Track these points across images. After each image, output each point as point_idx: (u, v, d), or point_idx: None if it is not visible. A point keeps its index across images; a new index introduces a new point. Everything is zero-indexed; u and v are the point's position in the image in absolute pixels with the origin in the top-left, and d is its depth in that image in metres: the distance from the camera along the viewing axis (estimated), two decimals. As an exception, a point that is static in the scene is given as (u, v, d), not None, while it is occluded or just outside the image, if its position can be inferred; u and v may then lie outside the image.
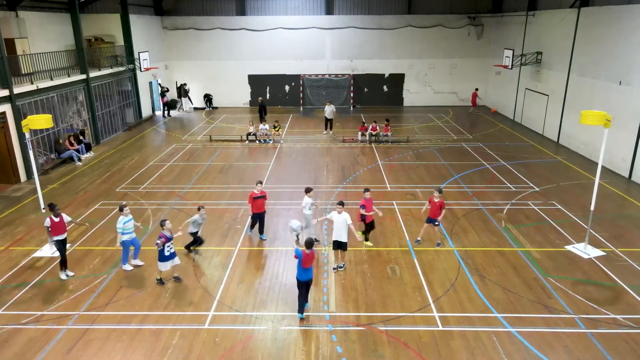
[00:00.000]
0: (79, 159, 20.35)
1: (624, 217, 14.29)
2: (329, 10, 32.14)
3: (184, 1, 32.19)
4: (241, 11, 32.21)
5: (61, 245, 10.97)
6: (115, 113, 25.97)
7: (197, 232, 12.03)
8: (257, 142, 23.58)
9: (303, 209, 12.41)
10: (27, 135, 12.00)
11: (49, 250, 12.20)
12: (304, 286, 9.42)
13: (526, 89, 26.94)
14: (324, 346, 8.68)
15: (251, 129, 23.85)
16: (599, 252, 12.02)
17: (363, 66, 32.98)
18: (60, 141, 20.18)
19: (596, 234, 12.98)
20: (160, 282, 10.72)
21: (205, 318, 9.52)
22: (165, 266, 10.47)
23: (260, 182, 12.91)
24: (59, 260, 11.12)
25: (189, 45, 32.70)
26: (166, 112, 30.96)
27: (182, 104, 32.80)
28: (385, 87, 33.58)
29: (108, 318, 9.54)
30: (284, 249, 12.46)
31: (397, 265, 11.51)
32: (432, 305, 9.89)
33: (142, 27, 29.07)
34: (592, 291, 10.39)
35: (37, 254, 12.17)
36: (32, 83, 18.52)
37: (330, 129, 25.33)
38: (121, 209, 11.17)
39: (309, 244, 9.21)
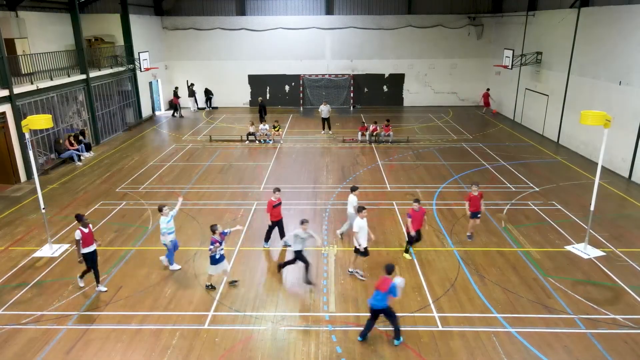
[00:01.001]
0: (79, 159, 20.34)
1: (623, 217, 14.29)
2: (329, 10, 32.14)
3: (184, 1, 32.19)
4: (241, 11, 32.20)
5: (93, 257, 10.26)
6: (115, 113, 25.97)
7: (301, 250, 10.62)
8: (257, 142, 23.58)
9: (348, 207, 12.46)
10: (27, 136, 12.01)
11: (48, 251, 12.21)
12: (373, 313, 8.66)
13: (526, 89, 26.94)
14: (324, 346, 8.68)
15: (251, 129, 23.86)
16: (598, 253, 12.02)
17: (363, 66, 32.97)
18: (61, 141, 20.18)
19: (596, 234, 12.98)
20: (212, 287, 10.53)
21: (205, 318, 9.52)
22: (217, 270, 10.35)
23: (279, 190, 12.46)
24: (83, 270, 10.49)
25: (189, 45, 32.69)
26: (177, 112, 30.83)
27: (194, 104, 32.82)
28: (385, 87, 33.57)
29: (108, 318, 9.55)
30: (283, 249, 12.46)
31: (397, 265, 11.50)
32: (432, 306, 9.90)
33: (142, 27, 29.07)
34: (592, 291, 10.39)
35: (37, 254, 12.18)
36: (32, 83, 18.52)
37: (329, 128, 25.33)
38: (160, 210, 11.05)
39: (390, 268, 8.61)
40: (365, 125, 24.14)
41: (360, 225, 10.63)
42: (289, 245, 11.85)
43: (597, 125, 11.39)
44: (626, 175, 18.01)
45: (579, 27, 21.45)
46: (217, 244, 10.06)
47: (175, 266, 11.42)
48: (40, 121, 11.70)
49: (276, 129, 23.99)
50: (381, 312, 8.58)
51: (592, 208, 12.09)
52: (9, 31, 19.45)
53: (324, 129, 25.42)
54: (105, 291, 10.42)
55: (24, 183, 17.84)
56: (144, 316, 9.60)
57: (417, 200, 11.70)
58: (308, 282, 10.62)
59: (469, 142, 23.32)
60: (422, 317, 9.51)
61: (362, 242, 10.72)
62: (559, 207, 15.08)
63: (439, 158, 20.65)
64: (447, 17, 31.82)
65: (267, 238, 12.59)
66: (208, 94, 33.00)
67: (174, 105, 31.03)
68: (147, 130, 26.70)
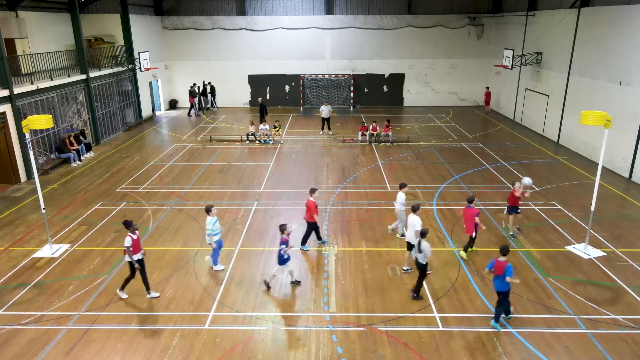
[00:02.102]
0: (75, 160, 20.26)
1: (624, 218, 14.29)
2: (329, 10, 32.14)
3: (184, 1, 32.18)
4: (241, 11, 32.20)
5: (141, 263, 10.06)
6: (115, 113, 25.97)
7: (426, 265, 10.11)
8: (257, 142, 23.58)
9: (396, 204, 12.60)
10: (27, 136, 12.00)
11: (49, 251, 12.21)
12: (500, 296, 8.97)
13: (526, 89, 26.94)
14: (325, 347, 8.68)
15: (251, 129, 23.85)
16: (599, 253, 12.02)
17: (363, 66, 32.97)
18: (66, 141, 20.25)
19: (596, 235, 12.98)
20: (268, 286, 10.53)
21: (206, 318, 9.52)
22: (284, 270, 10.38)
23: (316, 190, 12.36)
24: (125, 280, 10.19)
25: (189, 45, 32.68)
26: (192, 109, 31.07)
27: (211, 103, 32.83)
28: (385, 87, 33.57)
29: (108, 318, 9.54)
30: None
31: (397, 266, 11.50)
32: (433, 306, 9.89)
33: (142, 27, 29.07)
34: (592, 291, 10.39)
35: (37, 254, 12.17)
36: (32, 83, 18.51)
37: (329, 129, 25.33)
38: (208, 210, 10.98)
39: (505, 250, 8.85)
40: (365, 125, 24.14)
41: (415, 222, 10.75)
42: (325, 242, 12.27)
43: (597, 125, 11.39)
44: (626, 175, 18.01)
45: (579, 27, 21.45)
46: (287, 244, 10.13)
47: (219, 267, 11.41)
48: (41, 121, 11.70)
49: (276, 129, 23.99)
50: (504, 294, 8.90)
51: (592, 208, 12.09)
52: (9, 31, 19.45)
53: (323, 129, 25.42)
54: (158, 297, 10.25)
55: (24, 183, 17.84)
56: (144, 316, 9.60)
57: (470, 200, 11.68)
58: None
59: (469, 142, 23.32)
60: (422, 318, 9.51)
61: (409, 238, 11.00)
62: (559, 207, 15.08)
63: (439, 158, 20.64)
64: (447, 17, 31.82)
65: (306, 240, 12.39)
66: (210, 88, 32.94)
67: (191, 104, 31.28)
68: (147, 130, 26.70)
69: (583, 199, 15.63)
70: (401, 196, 12.58)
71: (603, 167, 13.31)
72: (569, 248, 12.32)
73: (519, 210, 12.83)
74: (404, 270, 11.29)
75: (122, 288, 10.27)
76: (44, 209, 12.37)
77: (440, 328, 9.19)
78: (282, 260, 10.26)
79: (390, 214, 14.64)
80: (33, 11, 21.62)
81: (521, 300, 10.07)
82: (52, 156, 19.90)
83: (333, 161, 20.36)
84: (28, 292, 10.49)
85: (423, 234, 9.86)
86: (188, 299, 10.20)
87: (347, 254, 12.15)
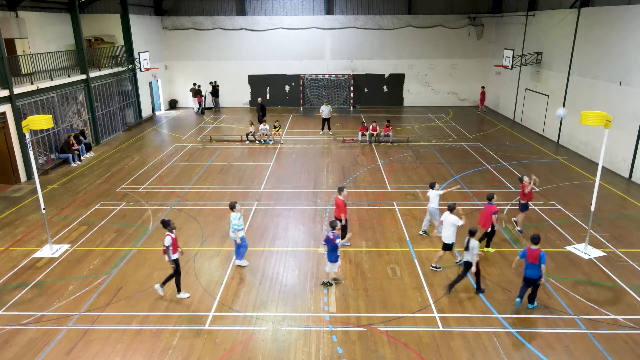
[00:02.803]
0: (75, 160, 20.25)
1: (624, 218, 14.29)
2: (329, 11, 32.14)
3: (184, 1, 32.18)
4: (241, 11, 32.20)
5: (177, 263, 10.09)
6: (115, 113, 25.96)
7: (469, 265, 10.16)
8: (257, 142, 23.58)
9: (430, 203, 12.68)
10: (27, 136, 12.00)
11: (49, 251, 12.21)
12: (528, 282, 9.53)
13: (526, 89, 26.94)
14: (325, 347, 8.68)
15: (251, 129, 23.86)
16: (599, 253, 12.02)
17: (363, 66, 32.97)
18: (70, 141, 20.27)
19: (596, 235, 12.98)
20: (330, 284, 10.62)
21: (206, 319, 9.52)
22: (335, 267, 10.46)
23: (344, 188, 12.42)
24: (175, 280, 10.16)
25: (189, 45, 32.68)
26: (200, 108, 31.56)
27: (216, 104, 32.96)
28: (385, 87, 33.57)
29: (108, 319, 9.54)
30: (284, 249, 12.46)
31: (397, 266, 11.51)
32: (433, 306, 9.89)
33: (142, 27, 29.07)
34: (592, 292, 10.39)
35: (37, 254, 12.17)
36: (32, 83, 18.51)
37: (329, 129, 25.33)
38: (233, 207, 11.10)
39: (536, 239, 9.39)
40: (365, 125, 24.14)
41: (452, 221, 10.86)
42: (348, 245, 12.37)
43: (597, 125, 11.40)
44: (626, 175, 18.01)
45: (579, 27, 21.45)
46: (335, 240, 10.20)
47: (243, 262, 11.49)
48: (41, 121, 11.69)
49: (276, 129, 23.99)
50: (535, 281, 9.43)
51: (592, 208, 12.09)
52: (9, 31, 19.45)
53: (323, 129, 25.42)
54: (188, 297, 10.24)
55: (24, 183, 17.84)
56: (145, 317, 9.60)
57: (490, 197, 12.06)
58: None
59: (469, 142, 23.32)
60: (422, 318, 9.51)
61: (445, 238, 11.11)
62: (559, 207, 15.08)
63: (439, 158, 20.64)
64: (447, 17, 31.82)
65: (344, 236, 12.42)
66: (214, 89, 32.94)
67: (198, 103, 31.60)
68: (147, 130, 26.69)
69: (583, 199, 15.63)
70: (433, 194, 12.72)
71: (603, 167, 13.31)
72: (569, 248, 12.32)
73: (528, 207, 13.11)
74: (432, 267, 11.35)
75: (179, 289, 10.26)
76: (44, 209, 12.37)
77: (440, 328, 9.18)
78: (335, 257, 10.33)
79: (390, 214, 14.63)
80: (33, 11, 21.62)
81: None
82: (52, 156, 19.90)
83: (333, 161, 20.36)
84: (28, 292, 10.48)
85: (472, 232, 10.03)
86: (188, 299, 10.20)
87: (347, 254, 12.14)
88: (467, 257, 10.05)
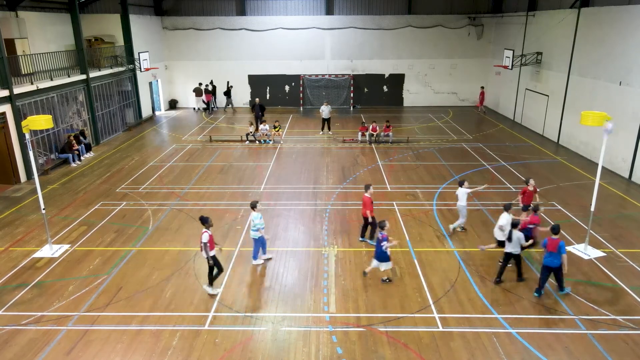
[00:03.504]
0: (74, 160, 20.25)
1: (624, 218, 14.29)
2: (329, 11, 32.14)
3: (184, 1, 32.18)
4: (241, 11, 32.19)
5: (215, 260, 10.30)
6: (115, 113, 25.97)
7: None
8: (257, 142, 23.58)
9: (459, 200, 12.76)
10: (27, 136, 12.00)
11: (49, 251, 12.21)
12: (547, 271, 9.99)
13: (526, 89, 26.94)
14: (325, 347, 8.68)
15: (251, 129, 23.86)
16: (599, 253, 12.02)
17: (363, 66, 32.97)
18: (71, 142, 20.28)
19: (596, 235, 12.98)
20: (389, 280, 10.78)
21: (206, 319, 9.52)
22: (388, 265, 10.55)
23: (371, 186, 12.54)
24: (214, 274, 10.36)
25: (189, 45, 32.68)
26: (210, 107, 31.88)
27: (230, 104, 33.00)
28: (385, 87, 33.57)
29: (108, 319, 9.54)
30: (284, 250, 12.46)
31: (397, 266, 11.50)
32: (432, 306, 9.89)
33: (142, 27, 29.07)
34: (592, 292, 10.39)
35: (37, 254, 12.17)
36: (32, 83, 18.51)
37: (329, 129, 25.32)
38: (254, 207, 11.25)
39: (557, 228, 9.92)
40: (365, 125, 24.14)
41: (508, 218, 10.94)
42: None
43: (597, 125, 11.39)
44: (626, 175, 18.01)
45: (579, 27, 21.45)
46: (388, 240, 10.34)
47: (259, 261, 11.65)
48: (41, 121, 11.69)
49: (276, 129, 23.99)
50: (555, 270, 9.93)
51: (592, 208, 12.09)
52: (9, 31, 19.45)
53: (322, 129, 25.43)
54: (218, 293, 10.34)
55: (24, 183, 17.84)
56: (144, 317, 9.60)
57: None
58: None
59: (469, 143, 23.32)
60: (422, 318, 9.51)
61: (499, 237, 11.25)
62: (559, 207, 15.08)
63: (439, 158, 20.64)
64: (447, 17, 31.82)
65: (372, 235, 12.61)
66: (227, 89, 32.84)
67: (207, 102, 31.92)
68: (147, 131, 26.70)
69: (583, 199, 15.62)
70: (462, 192, 12.77)
71: (603, 167, 13.31)
72: (569, 248, 12.31)
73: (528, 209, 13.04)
74: (499, 261, 11.37)
75: (211, 283, 10.36)
76: (43, 209, 12.37)
77: (440, 329, 9.18)
78: (385, 256, 10.43)
79: (390, 214, 14.63)
80: (33, 11, 21.63)
81: (521, 300, 10.07)
82: (52, 156, 19.90)
83: (333, 161, 20.36)
84: (28, 293, 10.49)
85: (514, 224, 10.34)
86: (188, 299, 10.20)
87: (347, 254, 12.15)
88: (509, 248, 10.39)
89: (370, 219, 12.37)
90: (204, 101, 32.35)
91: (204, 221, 10.20)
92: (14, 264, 11.76)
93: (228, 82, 32.53)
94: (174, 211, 14.96)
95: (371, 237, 12.64)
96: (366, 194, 12.31)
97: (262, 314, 9.68)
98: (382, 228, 10.44)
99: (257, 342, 8.87)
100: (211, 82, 32.56)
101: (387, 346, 8.70)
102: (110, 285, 10.76)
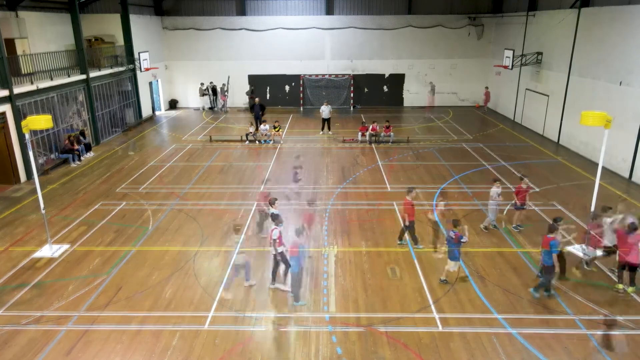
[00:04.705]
0: (74, 160, 20.25)
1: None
2: (329, 11, 32.13)
3: (184, 1, 32.18)
4: (241, 11, 32.19)
5: (283, 256, 10.52)
6: (115, 113, 25.96)
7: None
8: (257, 142, 23.57)
9: (490, 197, 12.99)
10: (27, 136, 12.00)
11: (48, 251, 12.20)
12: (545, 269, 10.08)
13: (526, 89, 26.94)
14: (324, 347, 8.68)
15: (251, 129, 23.86)
16: (598, 253, 11.98)
17: (363, 66, 32.96)
18: (73, 141, 20.29)
19: (596, 235, 12.94)
20: (445, 282, 10.75)
21: (205, 319, 9.52)
22: (457, 265, 10.63)
23: (414, 189, 12.46)
24: (284, 271, 10.70)
25: (189, 45, 32.67)
26: (224, 106, 32.48)
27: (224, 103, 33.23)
28: (385, 87, 33.56)
29: (108, 319, 9.54)
30: (284, 250, 12.41)
31: (397, 266, 11.50)
32: (432, 307, 9.89)
33: (142, 27, 29.06)
34: (592, 292, 10.38)
35: (37, 254, 12.16)
36: (32, 83, 18.51)
37: (329, 129, 25.32)
38: (272, 204, 11.68)
39: (550, 227, 10.07)
40: (365, 125, 24.13)
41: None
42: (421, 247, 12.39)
43: (597, 126, 11.39)
44: (626, 175, 18.00)
45: (579, 27, 21.44)
46: (460, 239, 10.43)
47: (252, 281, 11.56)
48: (40, 121, 11.70)
49: (276, 129, 23.98)
50: (545, 267, 9.96)
51: (592, 208, 12.08)
52: (9, 31, 19.45)
53: (323, 129, 25.42)
54: (284, 289, 10.49)
55: (24, 183, 17.84)
56: (144, 317, 9.60)
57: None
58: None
59: (469, 143, 23.31)
60: (422, 318, 9.50)
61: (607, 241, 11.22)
62: (559, 207, 15.07)
63: (439, 158, 20.64)
64: (447, 17, 31.81)
65: (414, 239, 12.56)
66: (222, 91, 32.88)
67: (220, 102, 32.64)
68: (147, 131, 26.69)
69: (583, 199, 15.61)
70: (494, 190, 12.94)
71: (603, 168, 13.29)
72: (569, 248, 12.30)
73: (525, 208, 13.38)
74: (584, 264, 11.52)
75: (273, 279, 10.59)
76: (43, 209, 12.37)
77: (440, 329, 9.18)
78: (457, 256, 10.52)
79: (390, 214, 14.63)
80: (33, 11, 21.62)
81: (521, 300, 10.07)
82: (52, 156, 19.90)
83: (333, 161, 20.35)
84: (28, 293, 10.48)
85: (551, 229, 10.35)
86: (188, 299, 10.20)
87: (347, 254, 12.15)
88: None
89: (407, 223, 12.20)
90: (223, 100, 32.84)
91: (274, 218, 10.46)
92: (13, 264, 11.75)
93: (228, 79, 32.54)
94: (174, 211, 14.96)
95: (415, 241, 12.48)
96: (407, 198, 12.17)
97: (262, 314, 9.68)
98: (455, 226, 10.53)
99: (257, 342, 8.87)
100: (225, 83, 32.61)
101: (387, 346, 8.69)
102: (110, 285, 10.75)
